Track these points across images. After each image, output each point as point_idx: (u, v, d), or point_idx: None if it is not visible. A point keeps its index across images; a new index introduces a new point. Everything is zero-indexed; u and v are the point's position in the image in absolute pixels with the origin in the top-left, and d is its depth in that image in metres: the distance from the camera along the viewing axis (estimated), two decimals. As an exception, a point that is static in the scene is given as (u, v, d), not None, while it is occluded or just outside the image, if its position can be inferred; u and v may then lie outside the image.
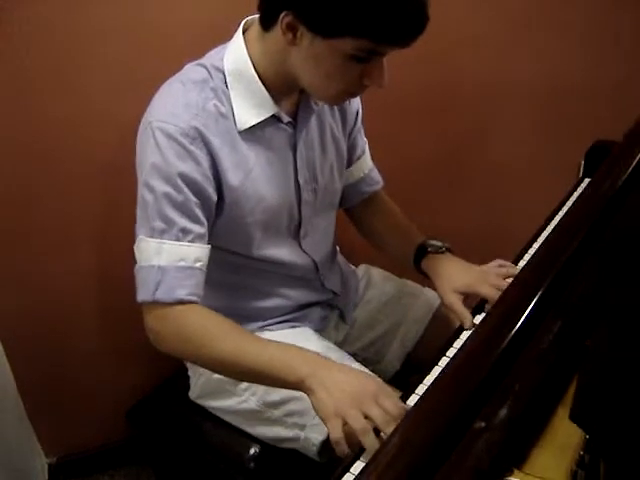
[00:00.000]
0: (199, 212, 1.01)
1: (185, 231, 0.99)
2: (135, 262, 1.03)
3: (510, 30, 1.65)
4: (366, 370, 1.11)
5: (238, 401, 1.17)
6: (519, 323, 0.77)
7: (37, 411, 1.56)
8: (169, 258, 0.98)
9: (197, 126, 0.98)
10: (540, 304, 0.80)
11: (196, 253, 1.01)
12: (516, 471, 0.65)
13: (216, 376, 1.17)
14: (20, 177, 1.34)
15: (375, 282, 1.43)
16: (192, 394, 1.26)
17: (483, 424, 0.63)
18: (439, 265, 1.17)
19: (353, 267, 1.45)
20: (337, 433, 0.85)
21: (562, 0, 1.62)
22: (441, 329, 1.24)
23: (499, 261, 1.18)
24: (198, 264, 1.01)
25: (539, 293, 0.81)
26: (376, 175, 1.36)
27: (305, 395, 0.97)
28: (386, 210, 1.35)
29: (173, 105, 0.99)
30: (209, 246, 1.04)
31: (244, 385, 1.16)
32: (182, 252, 0.99)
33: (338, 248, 1.42)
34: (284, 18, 0.92)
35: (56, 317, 1.49)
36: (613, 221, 0.90)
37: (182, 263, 0.99)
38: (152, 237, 0.99)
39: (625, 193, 0.99)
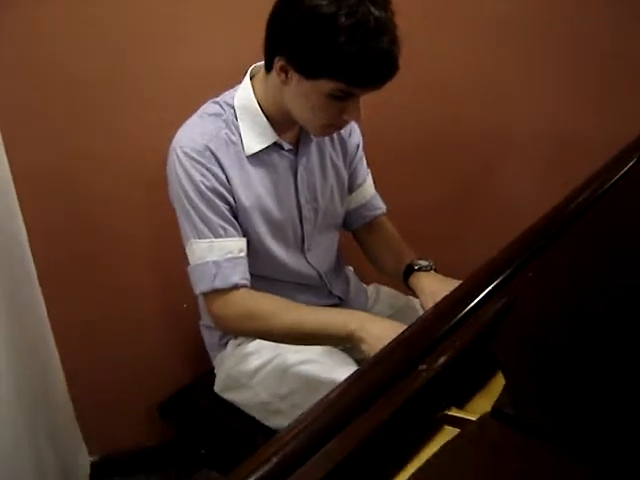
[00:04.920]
0: (228, 214, 1.17)
1: (223, 228, 1.16)
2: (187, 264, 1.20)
3: (515, 78, 1.76)
4: None
5: (253, 394, 1.28)
6: (473, 302, 0.87)
7: (82, 410, 1.68)
8: (219, 253, 1.15)
9: (211, 148, 1.15)
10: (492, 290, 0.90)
11: (238, 245, 1.18)
12: (454, 408, 0.74)
13: (234, 371, 1.30)
14: (67, 203, 1.54)
15: (382, 299, 1.53)
16: (216, 388, 1.38)
17: (424, 366, 0.73)
18: (423, 281, 1.27)
19: (364, 285, 1.56)
20: None
21: (565, 51, 1.73)
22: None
23: None
24: (242, 253, 1.18)
25: (493, 283, 0.90)
26: (378, 202, 1.47)
27: (307, 388, 1.10)
28: (385, 234, 1.46)
29: (192, 133, 1.17)
30: (245, 238, 1.20)
31: (257, 379, 1.27)
32: (228, 246, 1.16)
33: (352, 268, 1.55)
34: (278, 62, 1.09)
35: (104, 325, 1.65)
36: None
37: (230, 255, 1.16)
38: (201, 239, 1.16)
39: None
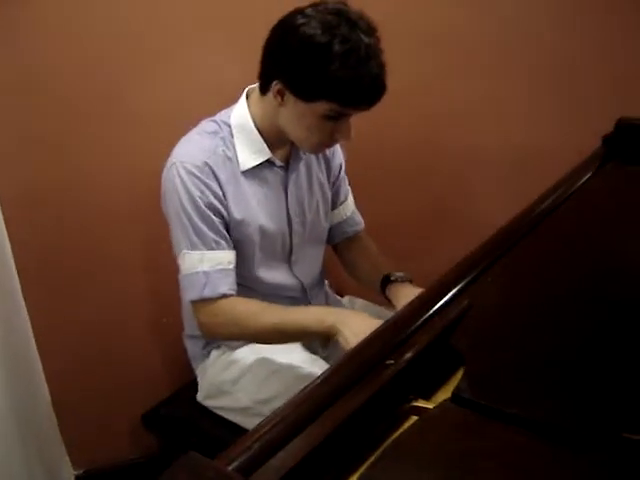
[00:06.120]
0: (222, 228, 1.25)
1: (216, 242, 1.23)
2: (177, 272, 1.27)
3: (483, 99, 1.84)
4: None
5: (234, 400, 1.33)
6: (438, 304, 0.94)
7: (66, 423, 1.67)
8: (209, 264, 1.22)
9: (209, 164, 1.22)
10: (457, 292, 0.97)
11: (228, 257, 1.25)
12: (421, 400, 0.81)
13: (217, 379, 1.35)
14: (53, 222, 1.58)
15: (357, 310, 1.59)
16: (199, 396, 1.43)
17: (392, 361, 0.80)
18: (399, 291, 1.35)
19: (340, 298, 1.63)
20: None
21: (531, 71, 1.80)
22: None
23: None
24: (231, 265, 1.25)
25: (457, 287, 0.98)
26: (358, 218, 1.55)
27: (287, 393, 1.15)
28: (364, 247, 1.54)
29: (191, 149, 1.24)
30: (235, 251, 1.27)
31: (239, 386, 1.33)
32: (218, 258, 1.23)
33: (328, 282, 1.62)
34: (275, 86, 1.17)
35: (88, 338, 1.67)
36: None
37: (220, 266, 1.23)
38: (193, 250, 1.22)
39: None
